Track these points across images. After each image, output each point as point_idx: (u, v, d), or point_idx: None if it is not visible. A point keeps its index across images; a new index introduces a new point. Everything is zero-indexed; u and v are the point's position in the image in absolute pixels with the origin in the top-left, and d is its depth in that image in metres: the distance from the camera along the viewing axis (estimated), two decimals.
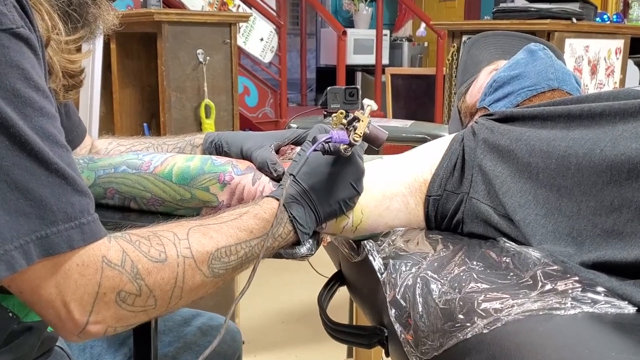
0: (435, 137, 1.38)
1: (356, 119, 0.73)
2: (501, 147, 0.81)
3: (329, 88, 1.75)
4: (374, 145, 0.75)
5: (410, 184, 0.84)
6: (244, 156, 0.86)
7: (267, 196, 0.72)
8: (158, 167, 0.82)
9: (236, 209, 0.69)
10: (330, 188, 0.74)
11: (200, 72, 1.95)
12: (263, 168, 0.82)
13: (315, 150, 0.72)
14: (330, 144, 0.72)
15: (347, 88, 1.73)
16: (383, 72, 4.34)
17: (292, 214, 0.71)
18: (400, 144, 1.71)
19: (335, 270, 1.09)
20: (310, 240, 0.76)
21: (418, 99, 4.21)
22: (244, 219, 0.67)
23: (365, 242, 0.80)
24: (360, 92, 1.74)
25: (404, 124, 1.74)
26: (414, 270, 0.71)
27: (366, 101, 0.74)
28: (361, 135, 0.72)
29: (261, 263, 0.67)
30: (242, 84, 4.17)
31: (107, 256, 0.54)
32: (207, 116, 2.00)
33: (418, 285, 0.68)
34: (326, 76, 5.63)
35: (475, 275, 0.68)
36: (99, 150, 0.95)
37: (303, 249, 0.75)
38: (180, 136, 0.95)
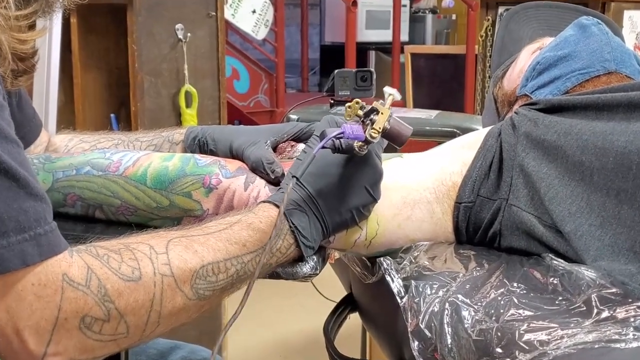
0: (465, 131, 1.37)
1: (374, 110, 0.72)
2: (547, 143, 0.81)
3: (336, 71, 1.75)
4: (395, 143, 0.75)
5: (436, 188, 0.84)
6: (233, 155, 0.86)
7: (264, 202, 0.73)
8: (129, 168, 0.82)
9: (226, 217, 0.69)
10: (340, 193, 0.74)
11: (180, 52, 1.95)
12: (257, 168, 0.82)
13: (323, 147, 0.71)
14: (342, 140, 0.72)
15: (358, 71, 1.72)
16: (402, 51, 4.35)
17: (293, 224, 0.71)
18: (423, 140, 1.71)
19: (344, 293, 1.08)
20: (314, 257, 0.76)
21: (444, 85, 4.21)
22: (236, 230, 0.67)
23: (382, 259, 0.80)
24: (374, 76, 1.74)
25: (427, 115, 1.74)
26: (441, 293, 0.71)
27: (387, 89, 0.74)
28: (380, 130, 0.71)
29: (255, 283, 0.67)
30: (230, 66, 4.17)
31: (68, 274, 0.54)
32: (188, 105, 2.00)
33: (446, 311, 0.69)
34: (332, 56, 5.63)
35: (516, 300, 0.68)
36: (57, 148, 0.95)
37: (306, 267, 0.75)
38: (156, 131, 0.95)
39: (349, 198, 0.75)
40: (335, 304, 1.03)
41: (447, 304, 0.69)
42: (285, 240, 0.71)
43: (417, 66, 4.08)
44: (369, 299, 0.93)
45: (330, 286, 1.34)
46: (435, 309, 0.70)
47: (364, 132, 0.71)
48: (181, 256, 0.61)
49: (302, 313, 2.58)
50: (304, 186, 0.73)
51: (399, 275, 0.77)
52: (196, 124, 2.07)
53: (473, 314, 0.67)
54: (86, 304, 0.54)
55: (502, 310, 0.66)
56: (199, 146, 0.90)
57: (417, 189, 0.84)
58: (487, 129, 0.90)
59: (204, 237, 0.65)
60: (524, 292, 0.70)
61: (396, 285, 0.76)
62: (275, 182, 0.81)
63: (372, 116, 0.72)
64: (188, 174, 0.81)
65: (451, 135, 1.07)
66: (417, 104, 4.02)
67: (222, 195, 0.81)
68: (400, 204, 0.83)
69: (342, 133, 0.71)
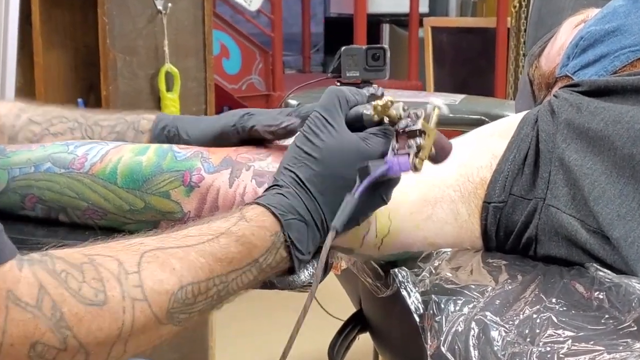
0: (495, 118, 1.37)
1: (419, 132, 0.70)
2: (592, 132, 0.81)
3: (343, 48, 1.74)
4: (433, 163, 0.74)
5: (461, 185, 0.84)
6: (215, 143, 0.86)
7: (259, 203, 0.71)
8: (96, 164, 0.82)
9: (211, 223, 0.68)
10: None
11: (159, 26, 1.95)
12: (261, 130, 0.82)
13: (366, 187, 0.69)
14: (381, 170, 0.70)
15: (369, 48, 1.71)
16: (421, 24, 4.34)
17: (290, 238, 0.70)
18: (445, 129, 1.70)
19: (353, 309, 1.09)
20: (314, 262, 0.77)
21: (471, 64, 4.21)
22: (222, 243, 0.66)
23: (397, 270, 0.81)
24: (388, 54, 1.73)
25: (451, 100, 1.74)
26: (466, 310, 0.71)
27: (434, 101, 0.72)
28: (426, 158, 0.70)
29: (246, 295, 0.67)
30: (218, 42, 4.17)
31: (15, 291, 0.53)
32: (169, 89, 2.00)
33: (472, 332, 0.69)
34: (339, 30, 5.62)
35: (554, 319, 0.68)
36: (1, 126, 0.93)
37: (304, 275, 0.76)
38: (119, 114, 0.94)
39: (360, 207, 0.72)
40: (342, 322, 1.03)
41: (473, 323, 0.69)
42: (278, 254, 0.70)
43: (438, 42, 4.08)
44: (382, 316, 0.93)
45: (337, 302, 1.34)
46: (460, 329, 0.70)
47: (410, 159, 0.70)
48: (156, 276, 0.60)
49: (302, 332, 2.58)
50: (308, 191, 0.71)
51: (417, 288, 0.77)
52: (178, 110, 2.06)
53: (504, 334, 0.67)
54: (37, 328, 0.53)
55: (538, 331, 0.66)
56: (168, 139, 0.89)
57: (439, 185, 0.84)
58: (521, 114, 0.90)
59: (184, 250, 0.63)
60: (564, 309, 0.70)
61: (413, 300, 0.76)
62: (282, 135, 0.81)
63: (417, 140, 0.70)
64: (165, 170, 0.82)
65: (478, 124, 1.06)
66: (439, 87, 4.02)
67: (204, 194, 0.81)
68: (419, 202, 0.83)
69: (389, 169, 0.70)
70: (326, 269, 0.79)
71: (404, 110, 0.72)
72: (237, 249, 0.66)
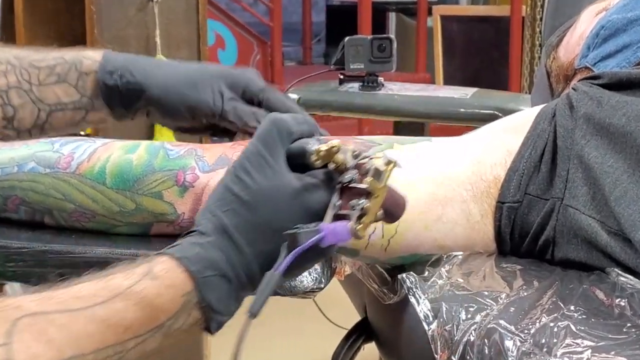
0: (510, 113, 1.36)
1: (366, 194, 0.63)
2: (613, 128, 0.81)
3: (347, 39, 1.74)
4: (387, 221, 0.68)
5: (473, 183, 0.84)
6: (192, 112, 0.80)
7: (171, 255, 0.63)
8: (84, 163, 0.82)
9: (109, 279, 0.61)
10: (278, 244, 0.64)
11: (150, 15, 1.94)
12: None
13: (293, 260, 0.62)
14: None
15: (374, 38, 1.72)
16: (429, 12, 4.34)
17: (205, 300, 0.63)
18: (456, 125, 1.70)
19: (357, 317, 1.08)
20: (317, 267, 0.77)
21: (483, 55, 4.20)
22: (119, 306, 0.59)
23: (405, 275, 0.81)
24: (394, 45, 1.73)
25: (462, 94, 1.74)
26: (478, 318, 0.71)
27: (388, 154, 0.65)
28: (370, 223, 0.64)
29: (244, 303, 0.65)
30: (213, 32, 4.17)
31: None
32: None
33: (486, 341, 0.68)
34: (342, 19, 5.62)
35: (573, 327, 0.67)
36: None
37: (307, 281, 0.76)
38: (57, 52, 0.84)
39: (297, 270, 0.66)
40: (346, 331, 1.03)
41: (486, 332, 0.69)
42: (191, 317, 0.63)
43: (448, 32, 4.08)
44: (389, 324, 0.93)
45: (340, 309, 1.34)
46: (472, 338, 0.69)
47: (349, 226, 0.63)
48: (30, 349, 0.53)
49: (304, 343, 2.58)
50: (235, 242, 0.64)
51: (426, 295, 0.77)
52: None
53: (519, 344, 0.66)
54: None
55: (555, 340, 0.66)
56: (119, 87, 0.80)
57: (450, 184, 0.84)
58: (538, 108, 0.90)
59: (69, 315, 0.57)
60: (584, 316, 0.70)
61: (423, 307, 0.76)
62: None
63: (362, 201, 0.64)
64: (157, 169, 0.82)
65: (491, 119, 1.05)
66: (449, 80, 4.02)
67: (199, 195, 0.81)
68: (429, 201, 0.83)
69: (323, 237, 0.62)
70: (331, 272, 0.79)
71: (353, 156, 0.66)
72: (137, 314, 0.60)
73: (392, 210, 0.67)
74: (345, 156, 0.66)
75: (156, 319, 0.61)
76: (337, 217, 0.64)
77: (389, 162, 0.64)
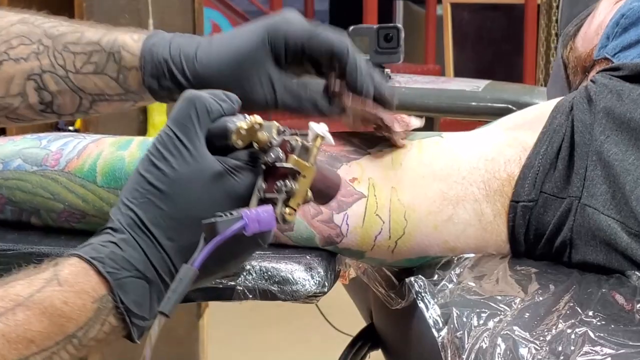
0: (524, 106, 1.37)
1: (293, 172, 0.61)
2: (635, 123, 0.81)
3: (351, 28, 1.73)
4: (319, 202, 0.66)
5: (486, 182, 0.84)
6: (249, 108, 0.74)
7: (80, 257, 0.60)
8: (73, 160, 0.82)
9: (8, 286, 0.58)
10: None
11: (143, 3, 1.95)
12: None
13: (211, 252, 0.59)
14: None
15: (380, 27, 1.70)
16: (439, 0, 4.33)
17: (123, 302, 0.60)
18: (467, 119, 1.70)
19: (362, 323, 1.08)
20: (320, 271, 0.77)
21: (495, 45, 4.20)
22: (20, 318, 0.56)
23: (413, 279, 0.80)
24: (402, 35, 1.72)
25: (473, 87, 1.73)
26: (491, 324, 0.71)
27: (313, 126, 0.63)
28: (299, 206, 0.62)
29: (243, 309, 0.65)
30: (209, 21, 4.17)
31: None
32: None
33: (499, 349, 0.68)
34: (346, 7, 5.62)
35: (591, 334, 0.67)
36: None
37: (309, 284, 0.76)
38: (93, 33, 0.81)
39: (219, 261, 0.62)
40: (350, 337, 1.03)
41: (499, 339, 0.69)
42: (106, 324, 0.60)
43: (459, 21, 4.08)
44: (396, 331, 0.93)
45: (344, 315, 1.34)
46: (484, 346, 0.69)
47: (275, 211, 0.60)
48: None
49: (306, 350, 2.58)
50: (153, 238, 0.61)
51: (436, 299, 0.77)
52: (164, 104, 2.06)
53: (534, 352, 0.66)
54: None
55: (573, 348, 0.66)
56: (164, 87, 0.78)
57: (462, 182, 0.84)
58: (554, 101, 0.90)
59: None
60: (603, 323, 0.69)
61: (432, 313, 0.76)
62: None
63: (288, 182, 0.61)
64: None
65: (505, 113, 1.05)
66: (460, 71, 4.02)
67: None
68: (439, 200, 0.83)
69: (245, 226, 0.59)
70: (334, 279, 0.79)
71: (278, 133, 0.63)
72: (42, 325, 0.56)
73: (324, 191, 0.64)
74: (269, 133, 0.63)
75: (64, 329, 0.58)
76: (263, 202, 0.62)
77: (316, 137, 0.62)
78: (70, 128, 1.74)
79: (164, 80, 0.78)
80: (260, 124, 0.62)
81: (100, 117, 1.89)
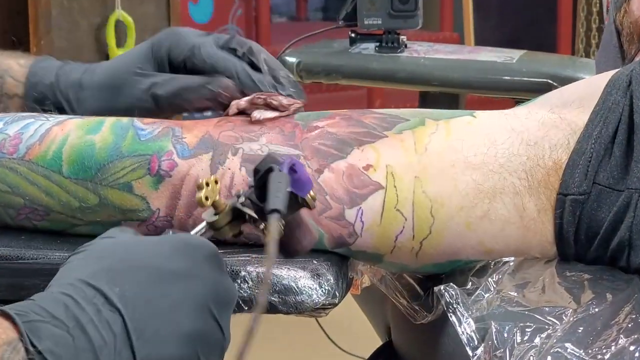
0: (567, 81, 1.37)
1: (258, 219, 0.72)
2: None
3: None
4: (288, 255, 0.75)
5: (528, 171, 0.84)
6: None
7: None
8: (35, 146, 0.83)
9: None
10: (162, 304, 0.65)
11: None
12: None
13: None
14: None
15: None
16: None
17: (34, 346, 0.59)
18: (499, 96, 1.70)
19: (373, 342, 1.08)
20: (329, 278, 0.78)
21: (523, 10, 4.20)
22: None
23: (442, 287, 0.80)
24: None
25: (506, 57, 1.73)
26: (538, 341, 0.71)
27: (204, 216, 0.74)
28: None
29: (235, 318, 0.66)
30: None
31: None
32: (121, 43, 2.02)
33: None
34: None
35: None
36: None
37: (317, 294, 0.76)
38: None
39: (178, 317, 0.65)
40: None
41: (549, 358, 0.68)
42: None
43: None
44: (421, 350, 0.93)
45: (352, 333, 1.34)
46: None
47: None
48: None
49: None
50: (92, 285, 0.63)
51: (470, 312, 0.77)
52: None
53: None
54: None
55: None
56: (54, 103, 0.90)
57: (499, 172, 0.84)
58: (607, 75, 0.90)
59: None
60: None
61: (466, 328, 0.76)
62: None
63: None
64: (126, 155, 0.82)
65: (545, 90, 1.05)
66: (482, 40, 4.00)
67: (178, 186, 0.81)
68: (472, 193, 0.83)
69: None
70: (347, 284, 0.79)
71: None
72: None
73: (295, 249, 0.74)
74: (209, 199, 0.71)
75: None
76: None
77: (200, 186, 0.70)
78: None
79: (48, 105, 0.89)
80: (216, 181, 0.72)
81: None
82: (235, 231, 0.72)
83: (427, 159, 0.84)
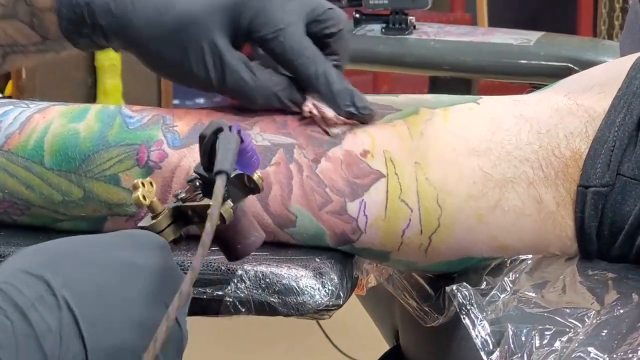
0: (588, 65, 1.37)
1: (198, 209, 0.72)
2: None
3: None
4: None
5: (543, 160, 0.84)
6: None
7: None
8: (14, 135, 0.83)
9: None
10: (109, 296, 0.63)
11: None
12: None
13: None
14: None
15: None
16: None
17: None
18: (516, 81, 1.70)
19: (378, 346, 1.09)
20: (334, 278, 0.78)
21: None
22: None
23: (455, 287, 0.80)
24: None
25: (523, 39, 1.73)
26: (558, 345, 0.71)
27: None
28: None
29: (234, 326, 0.66)
30: None
31: None
32: None
33: None
34: None
35: None
36: None
37: (319, 295, 0.77)
38: None
39: (129, 304, 0.65)
40: None
41: None
42: None
43: None
44: (432, 355, 0.93)
45: (355, 336, 1.34)
46: None
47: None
48: None
49: None
50: (34, 274, 0.61)
51: (485, 314, 0.77)
52: (119, 62, 2.06)
53: None
54: None
55: None
56: (91, 25, 0.82)
57: (508, 159, 0.84)
58: (631, 58, 0.90)
59: None
60: None
61: (480, 331, 0.76)
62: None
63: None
64: (112, 144, 0.82)
65: (565, 75, 1.05)
66: (495, 20, 4.00)
67: (168, 179, 0.82)
68: (480, 180, 0.83)
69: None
70: (352, 284, 0.79)
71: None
72: None
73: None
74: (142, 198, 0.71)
75: None
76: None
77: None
78: (0, 95, 1.72)
79: (84, 27, 0.82)
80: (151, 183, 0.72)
81: (37, 79, 1.88)
82: (177, 235, 0.72)
83: (424, 143, 0.83)
